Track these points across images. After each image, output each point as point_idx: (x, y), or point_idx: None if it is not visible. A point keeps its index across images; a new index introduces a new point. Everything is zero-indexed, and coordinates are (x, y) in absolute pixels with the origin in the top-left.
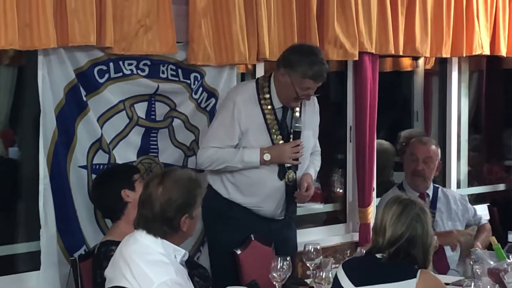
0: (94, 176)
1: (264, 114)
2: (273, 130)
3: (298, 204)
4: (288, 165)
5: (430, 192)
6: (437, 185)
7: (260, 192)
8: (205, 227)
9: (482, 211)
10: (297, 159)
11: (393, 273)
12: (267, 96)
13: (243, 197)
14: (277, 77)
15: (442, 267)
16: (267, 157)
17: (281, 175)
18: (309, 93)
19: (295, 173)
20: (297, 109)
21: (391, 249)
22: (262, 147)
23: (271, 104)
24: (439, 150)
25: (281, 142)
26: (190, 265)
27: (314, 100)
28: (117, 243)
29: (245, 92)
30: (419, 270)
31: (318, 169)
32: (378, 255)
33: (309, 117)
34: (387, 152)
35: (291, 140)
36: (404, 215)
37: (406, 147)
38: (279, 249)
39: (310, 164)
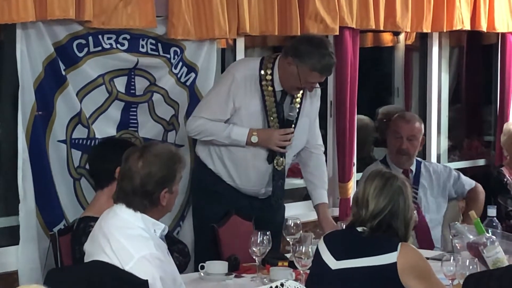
0: (73, 150)
1: (263, 95)
2: (270, 113)
3: None
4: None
5: (413, 168)
6: (419, 159)
7: (243, 172)
8: (192, 200)
9: None
10: (284, 148)
11: (374, 247)
12: (269, 77)
13: (226, 172)
14: (283, 64)
15: (427, 245)
16: (254, 139)
17: (270, 159)
18: (313, 85)
19: (285, 159)
20: (298, 95)
21: (374, 222)
22: (252, 127)
23: (272, 85)
24: (422, 126)
25: (276, 125)
26: (170, 241)
27: (317, 88)
28: (95, 219)
29: (247, 69)
30: (400, 243)
31: (326, 178)
32: (360, 229)
33: (309, 105)
34: (367, 128)
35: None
36: (387, 189)
37: (385, 124)
38: (260, 226)
39: (318, 183)
